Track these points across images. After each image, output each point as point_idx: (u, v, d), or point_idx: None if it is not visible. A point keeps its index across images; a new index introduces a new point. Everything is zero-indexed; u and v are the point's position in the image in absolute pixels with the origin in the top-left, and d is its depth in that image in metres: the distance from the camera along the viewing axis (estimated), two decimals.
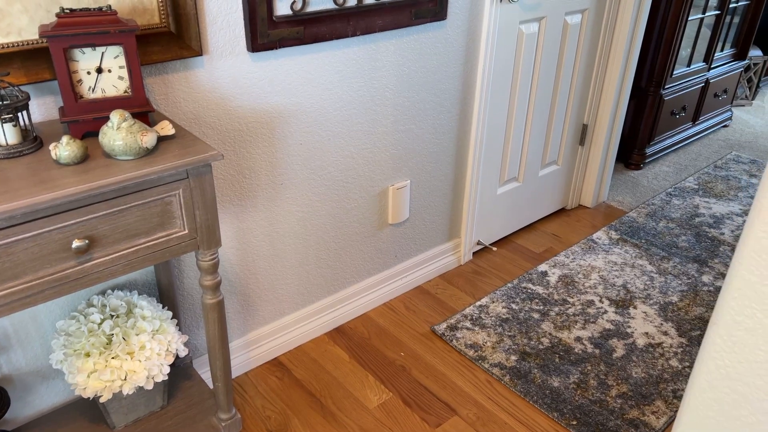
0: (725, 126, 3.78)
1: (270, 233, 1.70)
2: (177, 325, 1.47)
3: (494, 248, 2.43)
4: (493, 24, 1.94)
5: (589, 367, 1.84)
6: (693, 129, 3.46)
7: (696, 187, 3.00)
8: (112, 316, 1.33)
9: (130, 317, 1.34)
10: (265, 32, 1.43)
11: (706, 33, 3.18)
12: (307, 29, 1.50)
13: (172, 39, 1.31)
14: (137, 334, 1.31)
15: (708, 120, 3.56)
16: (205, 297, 1.25)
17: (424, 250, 2.20)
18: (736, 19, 3.47)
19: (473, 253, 2.40)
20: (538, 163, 2.47)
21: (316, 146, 1.69)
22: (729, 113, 3.75)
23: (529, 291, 2.19)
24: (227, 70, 1.43)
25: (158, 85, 1.33)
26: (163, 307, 1.46)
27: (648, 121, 3.06)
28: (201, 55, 1.36)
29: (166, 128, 1.13)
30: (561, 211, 2.76)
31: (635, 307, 2.12)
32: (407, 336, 1.97)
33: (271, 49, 1.46)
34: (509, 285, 2.22)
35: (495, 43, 1.98)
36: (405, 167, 1.96)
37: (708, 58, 3.26)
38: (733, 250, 2.47)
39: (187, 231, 1.14)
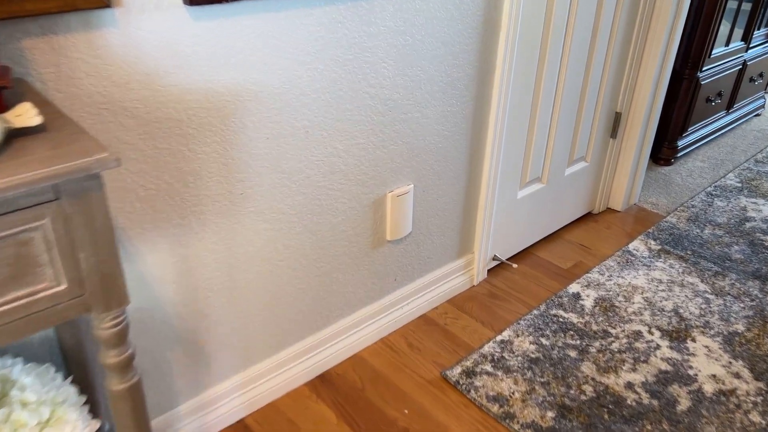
0: (758, 115, 3.37)
1: (227, 260, 1.25)
2: (87, 402, 1.02)
3: (514, 265, 2.00)
4: None
5: (649, 427, 1.42)
6: (727, 118, 3.05)
7: (739, 185, 2.58)
8: None
9: (3, 403, 0.88)
10: None
11: (743, 8, 2.76)
12: None
13: None
14: (16, 431, 0.86)
15: (742, 108, 3.15)
16: (110, 381, 0.80)
17: (429, 271, 1.76)
18: None
19: (488, 270, 1.96)
20: (565, 160, 2.04)
21: (288, 141, 1.24)
22: (762, 100, 3.34)
23: (560, 320, 1.76)
24: (154, 31, 0.97)
25: (42, 51, 0.88)
26: (66, 378, 1.01)
27: (681, 109, 2.64)
28: (109, 6, 0.90)
29: (24, 115, 0.67)
30: (587, 216, 2.33)
31: (694, 340, 1.70)
32: (411, 384, 1.53)
33: (221, 1, 1.01)
34: (535, 312, 1.79)
35: (521, 5, 1.54)
36: (407, 167, 1.52)
37: (747, 36, 2.84)
38: None
39: (65, 286, 0.69)
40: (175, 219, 1.13)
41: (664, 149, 2.73)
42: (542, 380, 1.55)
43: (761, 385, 1.55)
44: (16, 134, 0.68)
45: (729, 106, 3.01)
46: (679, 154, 2.76)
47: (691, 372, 1.59)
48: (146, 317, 1.17)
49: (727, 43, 2.73)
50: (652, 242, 2.15)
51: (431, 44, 1.40)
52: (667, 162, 2.75)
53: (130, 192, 1.05)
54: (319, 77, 1.23)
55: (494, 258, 1.95)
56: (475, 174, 1.73)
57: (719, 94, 2.83)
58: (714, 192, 2.52)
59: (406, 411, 1.46)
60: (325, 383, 1.53)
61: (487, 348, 1.64)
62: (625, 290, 1.89)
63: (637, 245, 2.13)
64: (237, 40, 1.07)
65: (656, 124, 2.24)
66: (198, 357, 1.30)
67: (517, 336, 1.69)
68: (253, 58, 1.11)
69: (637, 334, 1.71)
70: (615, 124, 2.17)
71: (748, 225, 2.28)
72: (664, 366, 1.60)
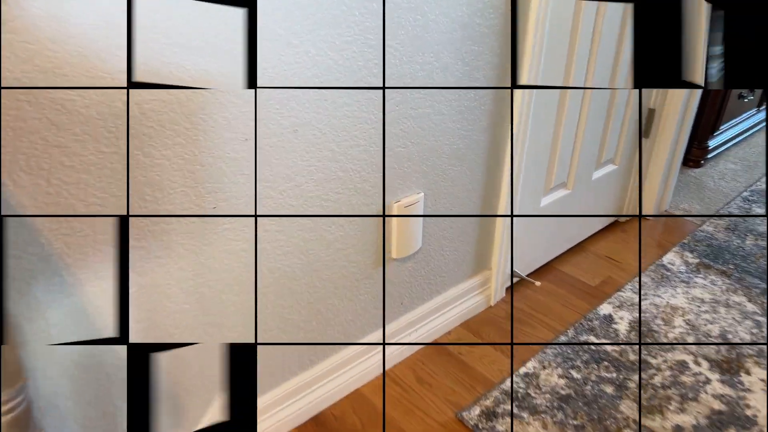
0: None
1: (197, 289, 1.02)
2: None
3: (537, 282, 1.76)
4: None
5: None
6: (758, 116, 2.81)
7: None
8: None
9: None
10: None
11: None
12: None
13: None
14: None
15: None
16: None
17: (441, 291, 1.53)
18: None
19: (506, 288, 1.73)
20: (593, 163, 1.81)
21: (273, 143, 1.01)
22: None
23: (592, 348, 1.53)
24: (94, 0, 0.74)
25: None
26: None
27: (713, 105, 2.41)
28: None
29: None
30: (614, 225, 2.10)
31: (748, 372, 1.46)
32: (421, 428, 1.30)
33: None
34: (563, 338, 1.55)
35: None
36: (416, 173, 1.29)
37: None
38: None
39: None
40: (131, 241, 0.90)
41: (693, 150, 2.50)
42: (575, 423, 1.31)
43: None
44: None
45: (760, 103, 2.78)
46: (709, 155, 2.53)
47: (749, 412, 1.35)
48: (92, 362, 0.94)
49: None
50: (689, 255, 1.92)
51: (446, 25, 1.17)
52: (697, 164, 2.52)
53: (67, 209, 0.82)
54: (310, 64, 0.99)
55: (514, 274, 1.72)
56: (494, 180, 1.49)
57: (752, 90, 2.60)
58: (751, 197, 2.29)
59: None
60: (319, 427, 1.30)
61: (509, 383, 1.41)
62: (663, 311, 1.66)
63: (672, 258, 1.90)
64: (202, 15, 0.84)
65: (692, 121, 2.00)
66: (161, 405, 1.07)
67: (544, 368, 1.46)
68: (225, 39, 0.88)
69: (682, 365, 1.48)
70: (648, 122, 1.94)
71: None
72: (716, 405, 1.37)
